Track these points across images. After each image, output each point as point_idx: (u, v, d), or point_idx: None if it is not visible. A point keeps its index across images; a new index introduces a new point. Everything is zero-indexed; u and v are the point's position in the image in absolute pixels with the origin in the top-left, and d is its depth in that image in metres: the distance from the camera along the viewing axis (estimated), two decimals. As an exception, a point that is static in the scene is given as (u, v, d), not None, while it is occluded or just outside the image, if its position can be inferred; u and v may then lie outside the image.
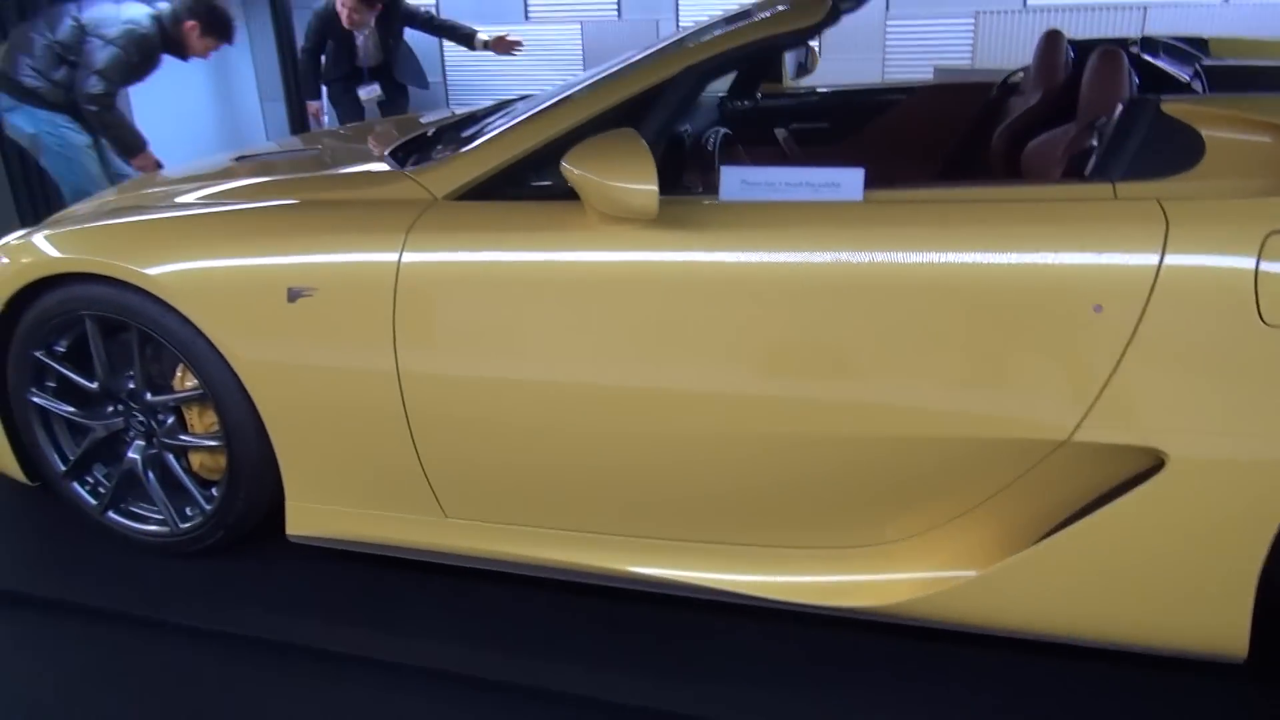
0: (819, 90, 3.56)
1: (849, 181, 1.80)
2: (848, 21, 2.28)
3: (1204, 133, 1.72)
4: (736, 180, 1.86)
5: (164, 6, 4.21)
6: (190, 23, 4.12)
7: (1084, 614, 1.83)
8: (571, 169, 1.81)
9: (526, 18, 5.82)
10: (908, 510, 1.89)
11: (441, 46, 5.53)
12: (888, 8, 5.14)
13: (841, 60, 3.33)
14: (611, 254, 1.86)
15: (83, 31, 4.01)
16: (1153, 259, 1.62)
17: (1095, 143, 1.88)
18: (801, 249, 1.76)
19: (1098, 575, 1.79)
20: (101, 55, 3.98)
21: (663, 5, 5.55)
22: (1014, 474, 1.79)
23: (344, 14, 4.64)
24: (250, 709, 1.96)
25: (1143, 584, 1.78)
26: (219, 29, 4.23)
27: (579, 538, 2.08)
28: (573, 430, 1.96)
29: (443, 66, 5.46)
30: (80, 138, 4.19)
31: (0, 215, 4.87)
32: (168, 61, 4.89)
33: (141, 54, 4.11)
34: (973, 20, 5.08)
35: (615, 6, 5.63)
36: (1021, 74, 3.11)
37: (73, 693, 2.03)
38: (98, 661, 2.12)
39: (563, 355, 1.92)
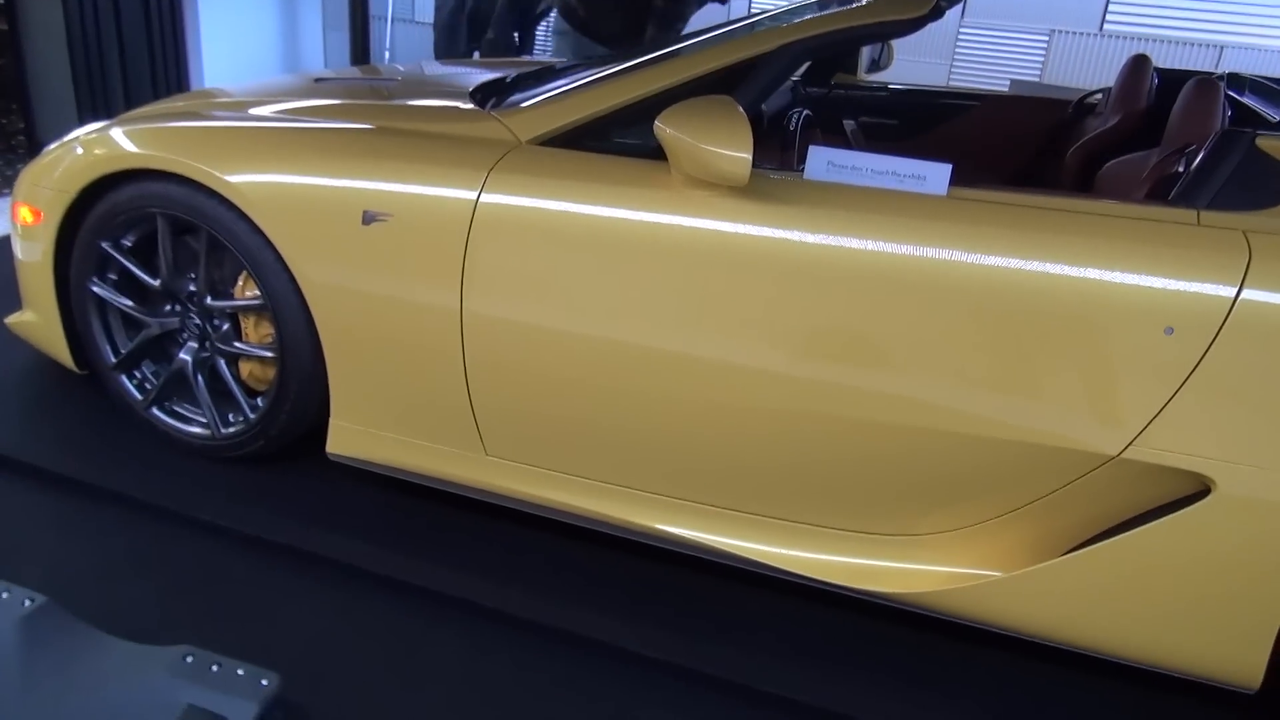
0: (890, 86, 3.55)
1: (935, 175, 1.81)
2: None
3: None
4: (823, 161, 1.87)
5: None
6: None
7: (1106, 627, 1.86)
8: (665, 128, 1.82)
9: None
10: (947, 505, 1.92)
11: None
12: (963, 15, 5.10)
13: (910, 62, 3.32)
14: (691, 219, 1.87)
15: None
16: (1230, 290, 1.63)
17: (1182, 169, 1.88)
18: (881, 237, 1.77)
19: (1125, 591, 1.82)
20: None
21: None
22: (1058, 483, 1.82)
23: None
24: (269, 609, 2.01)
25: (1169, 606, 1.81)
26: None
27: (617, 491, 2.11)
28: (625, 388, 1.99)
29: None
30: None
31: (62, 107, 4.92)
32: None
33: None
34: (1047, 37, 5.03)
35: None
36: (1099, 95, 3.10)
37: (102, 575, 2.08)
38: (129, 549, 2.17)
39: (626, 313, 1.93)
